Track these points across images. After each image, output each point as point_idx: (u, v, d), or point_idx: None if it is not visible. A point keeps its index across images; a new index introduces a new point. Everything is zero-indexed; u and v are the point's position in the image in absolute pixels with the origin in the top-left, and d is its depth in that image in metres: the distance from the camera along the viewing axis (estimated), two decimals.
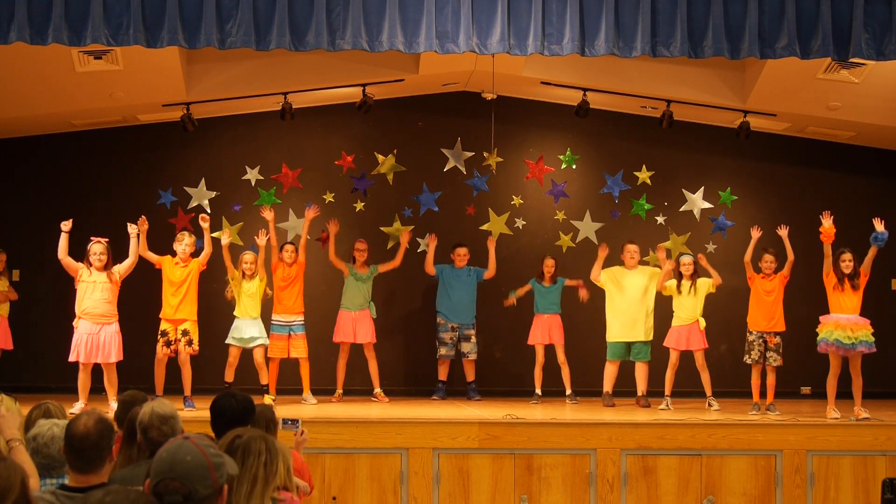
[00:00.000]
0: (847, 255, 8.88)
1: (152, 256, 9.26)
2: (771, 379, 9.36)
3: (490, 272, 10.75)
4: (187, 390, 9.20)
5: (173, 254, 9.37)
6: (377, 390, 10.37)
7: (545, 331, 10.45)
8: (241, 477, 3.24)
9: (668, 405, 9.63)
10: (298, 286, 10.02)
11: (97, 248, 8.78)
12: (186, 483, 2.68)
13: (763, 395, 9.40)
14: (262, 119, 11.21)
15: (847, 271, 8.82)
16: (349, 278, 10.42)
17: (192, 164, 11.37)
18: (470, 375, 10.75)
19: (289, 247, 10.09)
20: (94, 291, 8.72)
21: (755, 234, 9.57)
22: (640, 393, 10.11)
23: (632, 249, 10.26)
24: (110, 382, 8.81)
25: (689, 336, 9.80)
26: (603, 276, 10.26)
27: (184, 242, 9.33)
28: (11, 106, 10.00)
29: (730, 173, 11.81)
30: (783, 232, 9.47)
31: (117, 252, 8.94)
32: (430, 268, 10.75)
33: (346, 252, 10.55)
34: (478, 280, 10.74)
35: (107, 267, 8.78)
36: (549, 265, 10.53)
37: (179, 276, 9.27)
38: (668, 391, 9.79)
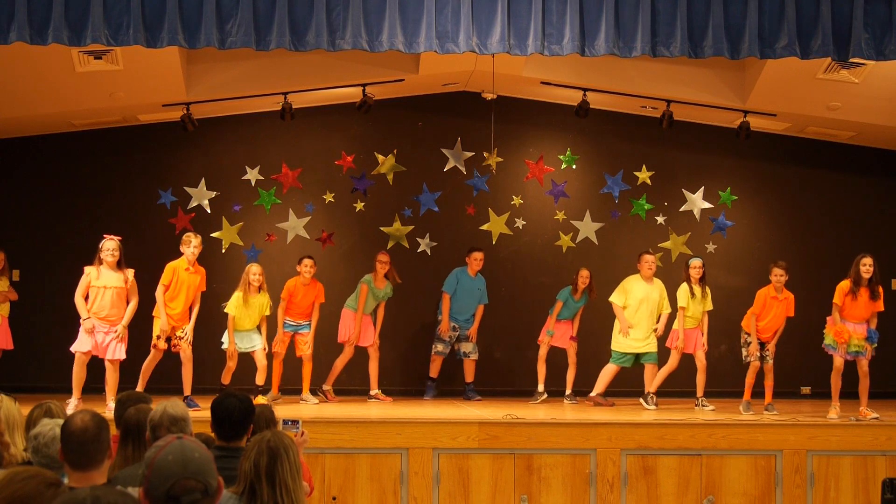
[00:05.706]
0: (868, 260, 8.79)
1: (165, 279, 9.00)
2: (769, 380, 9.37)
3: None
4: (188, 389, 9.13)
5: (178, 255, 9.15)
6: (375, 391, 10.36)
7: (559, 335, 10.45)
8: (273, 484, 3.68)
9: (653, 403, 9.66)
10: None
11: (109, 244, 8.58)
12: (202, 479, 2.71)
13: (759, 395, 9.41)
14: (262, 119, 11.20)
15: (867, 276, 8.74)
16: (369, 291, 10.31)
17: (192, 164, 11.37)
18: (469, 376, 10.74)
19: (308, 261, 9.90)
20: (104, 297, 8.57)
21: None
22: (647, 391, 10.03)
23: (650, 260, 10.05)
24: (111, 381, 8.67)
25: (696, 338, 9.83)
26: (621, 299, 10.07)
27: (192, 245, 9.05)
28: (11, 106, 9.99)
29: (730, 173, 11.80)
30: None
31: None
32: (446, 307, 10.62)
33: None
34: (479, 302, 10.69)
35: (119, 265, 8.60)
36: (584, 276, 10.32)
37: (188, 281, 9.05)
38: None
